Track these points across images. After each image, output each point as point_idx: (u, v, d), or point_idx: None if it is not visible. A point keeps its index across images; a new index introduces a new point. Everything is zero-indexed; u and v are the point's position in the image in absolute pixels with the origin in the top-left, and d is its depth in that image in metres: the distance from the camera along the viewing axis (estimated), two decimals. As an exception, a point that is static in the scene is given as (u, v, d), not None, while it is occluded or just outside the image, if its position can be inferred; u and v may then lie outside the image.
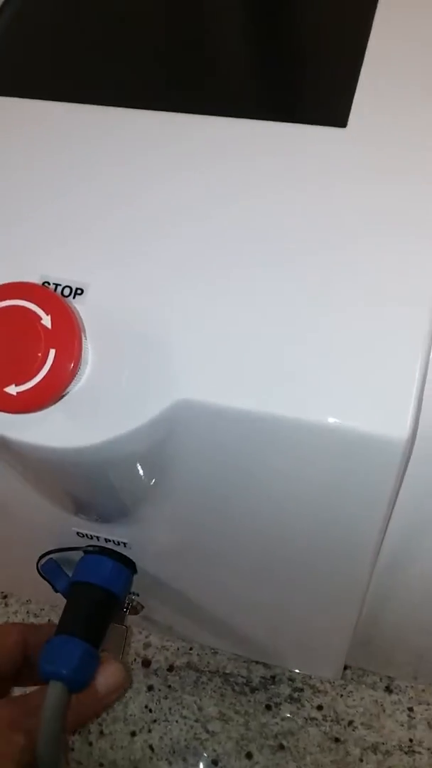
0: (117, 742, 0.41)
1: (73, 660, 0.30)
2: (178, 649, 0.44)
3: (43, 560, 0.34)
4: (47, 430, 0.22)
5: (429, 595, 0.31)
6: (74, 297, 0.23)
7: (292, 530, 0.26)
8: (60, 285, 0.23)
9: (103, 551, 0.33)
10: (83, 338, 0.21)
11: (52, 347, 0.20)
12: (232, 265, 0.23)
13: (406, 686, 0.43)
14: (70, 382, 0.20)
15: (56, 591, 0.34)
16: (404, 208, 0.23)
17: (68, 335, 0.20)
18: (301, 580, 0.29)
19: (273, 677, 0.43)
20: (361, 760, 0.40)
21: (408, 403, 0.21)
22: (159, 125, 0.26)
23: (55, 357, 0.20)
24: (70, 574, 0.34)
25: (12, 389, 0.20)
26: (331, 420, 0.21)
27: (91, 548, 0.33)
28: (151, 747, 0.41)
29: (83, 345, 0.20)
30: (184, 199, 0.24)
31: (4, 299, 0.20)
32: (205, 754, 0.41)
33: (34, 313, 0.20)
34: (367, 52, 0.26)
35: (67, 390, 0.21)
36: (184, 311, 0.23)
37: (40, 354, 0.20)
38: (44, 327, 0.20)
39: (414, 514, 0.26)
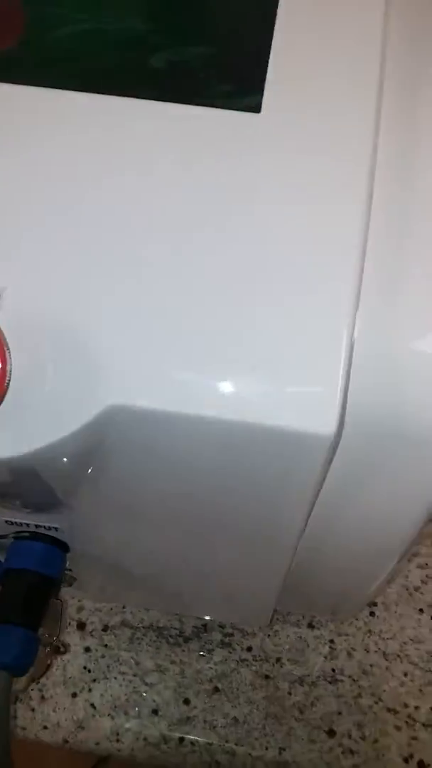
0: (59, 705, 0.42)
1: (14, 648, 0.30)
2: (111, 608, 0.46)
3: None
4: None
5: (349, 547, 0.33)
6: (-9, 302, 0.22)
7: (224, 510, 0.27)
8: (-26, 289, 0.22)
9: (34, 536, 0.33)
10: (7, 351, 0.20)
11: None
12: (152, 257, 0.22)
13: (327, 621, 0.47)
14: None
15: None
16: (322, 199, 0.23)
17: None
18: (232, 548, 0.31)
19: (204, 626, 0.46)
20: (290, 693, 0.44)
21: (334, 397, 0.22)
22: (58, 105, 0.24)
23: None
24: (1, 559, 0.34)
25: None
26: (260, 419, 0.21)
27: (21, 533, 0.33)
28: (92, 705, 0.43)
29: (8, 359, 0.20)
30: (93, 188, 0.23)
31: None
32: (145, 705, 0.43)
33: None
34: (276, 26, 0.25)
35: (-5, 408, 0.20)
36: (107, 311, 0.22)
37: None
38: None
39: (344, 472, 0.27)
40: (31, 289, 0.22)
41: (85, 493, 0.27)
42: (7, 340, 0.21)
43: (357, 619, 0.47)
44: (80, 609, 0.46)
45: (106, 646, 0.45)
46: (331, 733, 0.43)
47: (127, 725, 0.42)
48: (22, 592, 0.31)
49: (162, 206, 0.23)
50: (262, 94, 0.24)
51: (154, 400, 0.22)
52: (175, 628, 0.45)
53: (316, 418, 0.22)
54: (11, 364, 0.20)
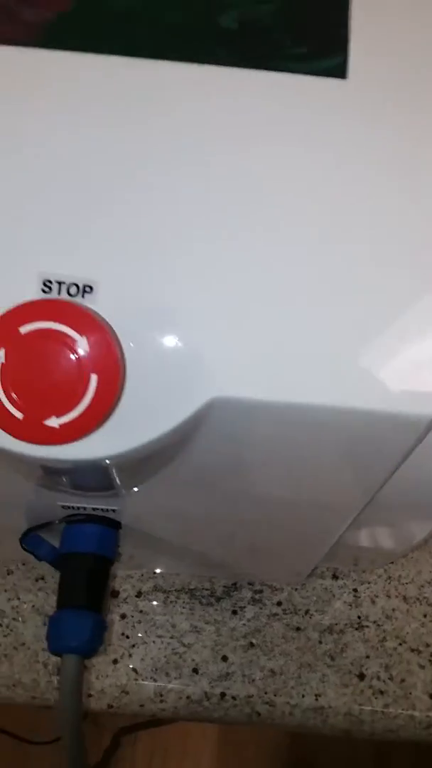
0: (101, 672, 0.43)
1: (84, 632, 0.30)
2: (142, 575, 0.46)
3: (27, 536, 0.33)
4: (76, 447, 0.21)
5: (401, 510, 0.34)
6: (83, 296, 0.20)
7: (301, 486, 0.27)
8: (64, 283, 0.20)
9: (88, 518, 0.32)
10: (122, 356, 0.19)
11: (93, 372, 0.18)
12: (250, 245, 0.21)
13: (350, 571, 0.48)
14: (115, 405, 0.19)
15: (39, 560, 0.34)
16: (422, 177, 0.22)
17: (108, 356, 0.18)
18: (298, 519, 0.31)
19: (234, 584, 0.47)
20: (320, 642, 0.46)
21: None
22: (122, 75, 0.23)
23: (97, 383, 0.18)
24: (55, 544, 0.33)
25: (53, 422, 0.18)
26: (365, 404, 0.21)
27: (74, 516, 0.32)
28: (134, 670, 0.43)
29: (123, 364, 0.19)
30: (174, 171, 0.22)
31: (31, 321, 0.18)
32: (185, 666, 0.44)
33: (68, 335, 0.18)
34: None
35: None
36: (207, 301, 0.21)
37: (80, 381, 0.18)
38: (81, 351, 0.18)
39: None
40: (126, 281, 0.21)
41: (160, 478, 0.27)
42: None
43: (377, 567, 0.49)
44: (112, 578, 0.46)
45: (141, 611, 0.45)
46: (361, 676, 0.45)
47: (170, 686, 0.43)
48: (85, 576, 0.31)
49: (252, 190, 0.22)
50: (344, 55, 0.23)
51: (258, 391, 0.21)
52: (206, 589, 0.46)
53: (419, 400, 0.22)
54: (125, 361, 0.19)
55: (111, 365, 0.18)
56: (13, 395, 0.17)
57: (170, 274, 0.21)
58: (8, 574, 0.46)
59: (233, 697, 0.44)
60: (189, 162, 0.22)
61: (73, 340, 0.18)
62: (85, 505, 0.31)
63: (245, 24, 0.24)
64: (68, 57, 0.22)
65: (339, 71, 0.23)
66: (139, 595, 0.45)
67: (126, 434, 0.20)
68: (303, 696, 0.44)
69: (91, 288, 0.20)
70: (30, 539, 0.33)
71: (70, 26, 0.23)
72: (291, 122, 0.22)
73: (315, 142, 0.22)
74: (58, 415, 0.18)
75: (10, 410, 0.17)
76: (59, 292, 0.20)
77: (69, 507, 0.31)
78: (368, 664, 0.46)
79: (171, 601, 0.46)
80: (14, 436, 0.18)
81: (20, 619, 0.45)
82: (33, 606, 0.45)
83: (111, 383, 0.18)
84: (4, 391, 0.17)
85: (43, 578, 0.45)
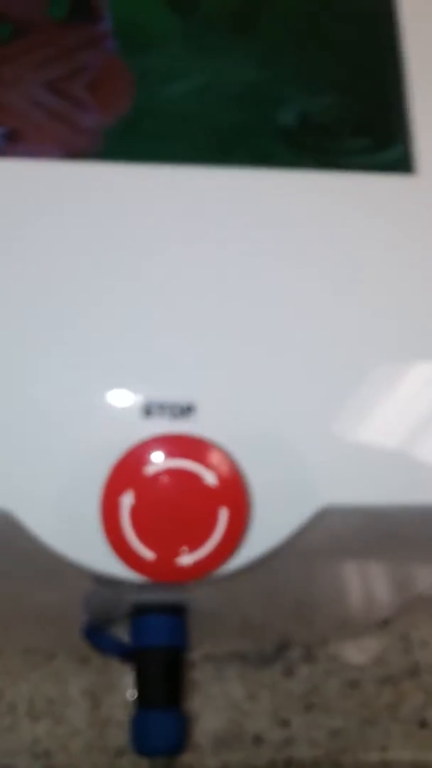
0: (163, 752, 0.42)
1: (170, 731, 0.29)
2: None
3: (93, 632, 0.32)
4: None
5: None
6: (185, 417, 0.20)
7: (387, 573, 0.27)
8: (166, 406, 0.20)
9: (157, 608, 0.31)
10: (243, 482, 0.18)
11: (221, 504, 0.18)
12: (343, 350, 0.21)
13: (397, 616, 0.48)
14: (245, 534, 0.18)
15: (105, 654, 0.33)
16: None
17: (233, 486, 0.18)
18: (374, 595, 0.31)
19: (283, 643, 0.46)
20: (379, 695, 0.45)
21: None
22: (189, 187, 0.22)
23: (228, 517, 0.18)
24: (115, 633, 0.33)
25: (187, 559, 0.17)
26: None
27: (143, 609, 0.31)
28: (195, 745, 0.42)
29: (247, 490, 0.18)
30: (260, 279, 0.22)
31: (155, 461, 0.17)
32: (245, 735, 0.43)
33: (194, 471, 0.17)
34: (408, 68, 0.24)
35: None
36: (301, 414, 0.21)
37: (210, 516, 0.17)
38: (209, 486, 0.17)
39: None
40: (223, 397, 0.20)
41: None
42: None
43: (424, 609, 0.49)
44: (161, 650, 0.45)
45: (194, 682, 0.44)
46: (423, 724, 0.45)
47: (233, 757, 0.42)
48: (162, 671, 0.30)
49: (331, 302, 0.22)
50: (408, 146, 0.23)
51: (365, 495, 0.21)
52: (256, 652, 0.45)
53: None
54: (246, 486, 0.19)
55: (237, 495, 0.18)
56: (144, 536, 0.17)
57: (265, 384, 0.21)
58: (51, 658, 0.44)
59: (300, 762, 0.43)
60: (268, 274, 0.21)
61: (200, 476, 0.17)
62: (155, 598, 0.30)
63: (304, 119, 0.24)
64: (132, 171, 0.22)
65: (405, 164, 0.23)
66: (191, 665, 0.44)
67: (242, 551, 0.20)
68: (368, 751, 0.44)
69: (191, 408, 0.20)
70: (95, 635, 0.32)
71: (130, 131, 0.23)
72: (359, 234, 0.22)
73: (384, 244, 0.22)
74: (190, 551, 0.17)
75: (142, 552, 0.17)
76: (161, 415, 0.20)
77: (140, 601, 0.30)
78: (428, 711, 0.45)
79: (222, 668, 0.45)
80: (146, 576, 0.17)
81: (71, 704, 0.43)
82: (81, 689, 0.44)
83: (239, 513, 0.18)
84: (136, 533, 0.17)
85: (88, 659, 0.44)
